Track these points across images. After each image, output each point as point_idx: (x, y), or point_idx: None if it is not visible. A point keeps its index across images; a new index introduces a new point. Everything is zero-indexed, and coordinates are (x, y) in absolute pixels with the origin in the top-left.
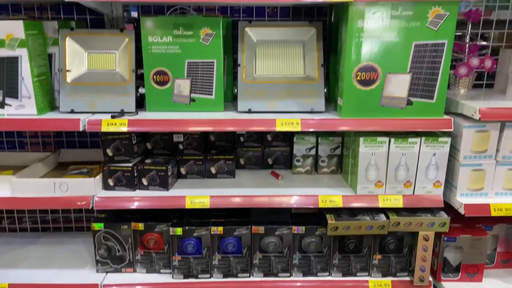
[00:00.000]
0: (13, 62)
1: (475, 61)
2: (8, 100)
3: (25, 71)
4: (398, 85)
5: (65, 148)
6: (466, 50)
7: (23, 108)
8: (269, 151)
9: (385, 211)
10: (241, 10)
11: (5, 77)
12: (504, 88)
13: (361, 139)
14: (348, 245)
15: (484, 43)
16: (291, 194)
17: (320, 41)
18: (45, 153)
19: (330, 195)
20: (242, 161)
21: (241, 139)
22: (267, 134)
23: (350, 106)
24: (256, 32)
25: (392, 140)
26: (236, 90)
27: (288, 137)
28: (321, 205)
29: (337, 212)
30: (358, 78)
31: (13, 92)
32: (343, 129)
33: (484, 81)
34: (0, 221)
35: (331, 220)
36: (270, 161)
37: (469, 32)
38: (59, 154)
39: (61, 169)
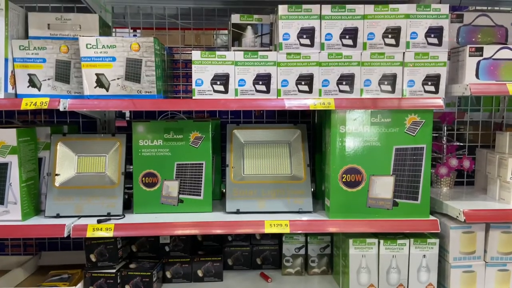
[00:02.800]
0: (3, 168)
1: (454, 162)
2: None
3: (14, 177)
4: (382, 187)
5: (46, 250)
6: (444, 150)
7: (8, 214)
8: (258, 250)
9: None
10: (229, 112)
11: None
12: (484, 186)
13: (351, 240)
14: None
15: (459, 144)
16: None
17: (305, 142)
18: (26, 256)
19: None
20: (230, 262)
21: (229, 238)
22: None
23: (338, 207)
24: (244, 134)
25: (382, 241)
26: (224, 190)
27: (277, 235)
28: None
29: None
30: (344, 180)
31: None
32: (332, 230)
33: (465, 178)
34: None
35: None
36: (259, 261)
37: (445, 134)
38: (40, 257)
39: (41, 274)
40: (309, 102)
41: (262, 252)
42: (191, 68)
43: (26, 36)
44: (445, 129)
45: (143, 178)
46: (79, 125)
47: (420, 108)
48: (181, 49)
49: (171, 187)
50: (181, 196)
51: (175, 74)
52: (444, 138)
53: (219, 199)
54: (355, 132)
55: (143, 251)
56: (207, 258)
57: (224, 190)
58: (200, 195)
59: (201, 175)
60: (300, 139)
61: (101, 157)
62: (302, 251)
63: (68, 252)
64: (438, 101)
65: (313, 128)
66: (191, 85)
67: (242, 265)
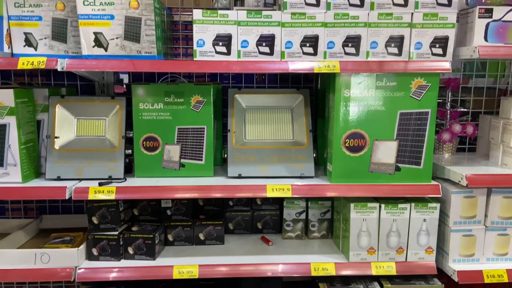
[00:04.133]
0: (1, 130)
1: (457, 128)
2: None
3: (13, 138)
4: (385, 152)
5: (47, 214)
6: (448, 116)
7: (8, 176)
8: (259, 215)
9: (378, 278)
10: (230, 77)
11: None
12: (486, 153)
13: (352, 204)
14: None
15: (464, 109)
16: (282, 262)
17: (307, 107)
18: (27, 219)
19: (323, 263)
20: (231, 226)
21: (230, 203)
22: (256, 198)
23: (340, 172)
24: (245, 99)
25: (383, 206)
26: (226, 155)
27: (277, 201)
28: (313, 273)
29: (330, 280)
30: (347, 144)
31: None
32: (334, 195)
33: (467, 145)
34: None
35: None
36: (259, 225)
37: (449, 99)
38: (41, 220)
39: (42, 236)
40: (314, 64)
41: (263, 217)
42: (191, 30)
43: None
44: (450, 94)
45: (144, 142)
46: (77, 88)
47: (427, 72)
48: (180, 10)
49: (172, 151)
50: (182, 160)
51: (174, 36)
52: (448, 104)
53: (220, 165)
54: (359, 96)
55: (145, 215)
56: (208, 222)
57: (225, 156)
58: (201, 160)
59: (203, 139)
60: (303, 104)
61: (100, 120)
62: (303, 216)
63: (69, 215)
64: (445, 64)
65: (316, 93)
66: (191, 48)
67: (243, 229)
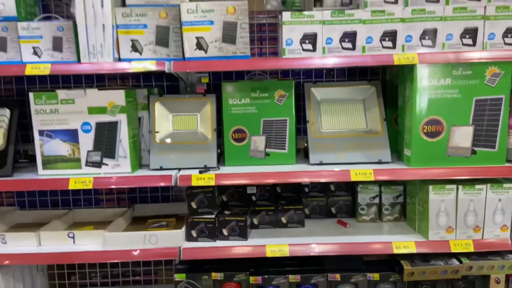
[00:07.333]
0: (113, 126)
1: None
2: (105, 160)
3: (123, 133)
4: (462, 136)
5: (137, 203)
6: None
7: (119, 167)
8: (333, 200)
9: (455, 255)
10: (301, 72)
11: (104, 140)
12: None
13: (431, 186)
14: None
15: None
16: (366, 241)
17: (380, 97)
18: (120, 208)
19: (403, 242)
20: (307, 211)
21: (306, 189)
22: (330, 184)
23: (418, 156)
24: (320, 92)
25: (460, 187)
26: (306, 144)
27: (350, 187)
28: (395, 251)
29: (409, 258)
30: (425, 130)
31: (110, 153)
32: (414, 177)
33: None
34: (69, 277)
35: (407, 266)
36: (333, 210)
37: None
38: (134, 209)
39: (138, 223)
40: (394, 57)
41: (336, 202)
42: (254, 31)
43: (122, 4)
44: None
45: (233, 134)
46: (163, 88)
47: (501, 60)
48: (255, 13)
49: (258, 141)
50: (267, 149)
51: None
52: None
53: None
54: (436, 85)
55: (232, 201)
56: (290, 207)
57: (306, 145)
58: (285, 149)
59: (285, 130)
60: (375, 95)
61: (193, 116)
62: (376, 200)
63: (157, 204)
64: None
65: (383, 85)
66: (265, 47)
67: (318, 214)
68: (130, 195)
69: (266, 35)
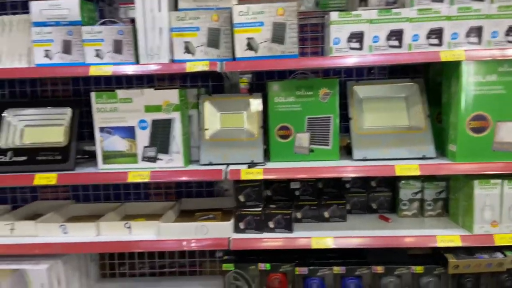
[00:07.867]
0: (167, 123)
1: None
2: (160, 155)
3: (177, 130)
4: (507, 132)
5: (183, 197)
6: None
7: (172, 162)
8: (374, 196)
9: (500, 249)
10: (342, 71)
11: (159, 136)
12: None
13: (476, 181)
14: (466, 283)
15: None
16: (409, 235)
17: (423, 94)
18: (168, 202)
19: (448, 236)
20: (348, 206)
21: (347, 185)
22: (371, 180)
23: (464, 151)
24: (363, 90)
25: (506, 181)
26: (348, 141)
27: (390, 183)
28: (439, 244)
29: (453, 251)
30: (471, 126)
31: (164, 148)
32: (459, 172)
33: None
34: (119, 267)
35: (452, 259)
36: (374, 205)
37: None
38: (181, 203)
39: (185, 216)
40: (441, 54)
41: (377, 198)
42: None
43: (173, 8)
44: None
45: (278, 131)
46: (209, 88)
47: None
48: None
49: (303, 138)
50: (311, 146)
51: None
52: None
53: None
54: (482, 81)
55: (276, 195)
56: (332, 202)
57: (348, 142)
58: (328, 145)
59: (329, 127)
60: (419, 92)
61: (240, 114)
62: (419, 196)
63: (202, 199)
64: None
65: (426, 82)
66: (306, 47)
67: (359, 209)
68: (177, 189)
69: (308, 35)
